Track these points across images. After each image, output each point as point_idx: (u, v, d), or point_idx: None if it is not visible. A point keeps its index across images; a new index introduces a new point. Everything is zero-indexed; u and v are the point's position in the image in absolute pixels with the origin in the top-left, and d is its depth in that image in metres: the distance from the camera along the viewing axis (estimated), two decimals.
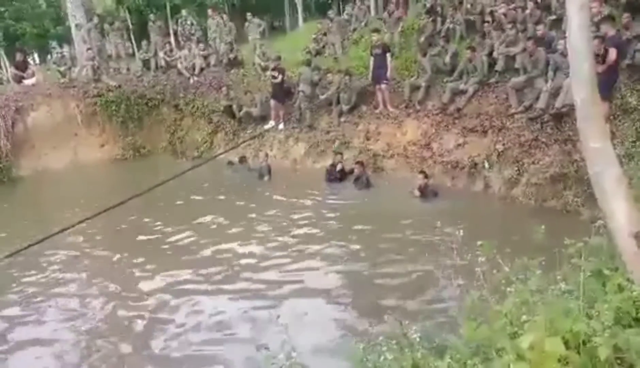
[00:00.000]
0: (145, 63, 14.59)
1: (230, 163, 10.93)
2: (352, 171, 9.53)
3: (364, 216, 7.89)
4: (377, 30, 11.27)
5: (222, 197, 9.64)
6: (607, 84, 6.89)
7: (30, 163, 12.24)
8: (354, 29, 14.21)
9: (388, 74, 10.41)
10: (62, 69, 13.90)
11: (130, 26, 17.12)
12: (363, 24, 14.23)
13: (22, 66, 13.84)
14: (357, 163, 9.48)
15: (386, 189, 9.04)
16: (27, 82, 13.34)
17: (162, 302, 5.65)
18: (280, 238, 7.26)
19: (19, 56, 14.23)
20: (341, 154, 9.96)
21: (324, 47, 13.69)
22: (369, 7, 15.25)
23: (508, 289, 2.19)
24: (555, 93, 7.90)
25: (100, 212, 2.61)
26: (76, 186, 11.11)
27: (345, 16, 15.21)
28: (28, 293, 6.08)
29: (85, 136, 13.16)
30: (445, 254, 2.71)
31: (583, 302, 1.94)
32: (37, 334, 5.20)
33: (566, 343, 1.69)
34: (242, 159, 11.05)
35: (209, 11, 16.35)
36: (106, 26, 15.69)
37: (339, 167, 9.70)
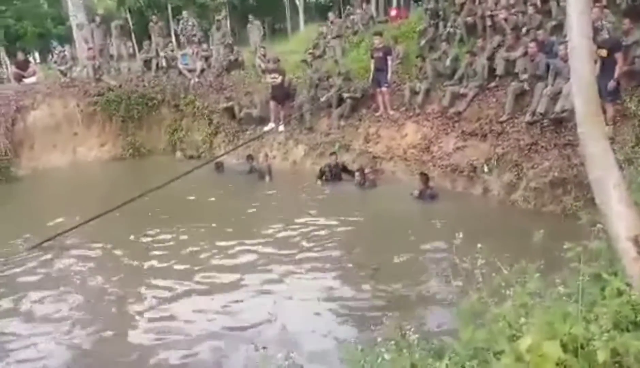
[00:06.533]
0: (146, 63, 14.58)
1: (217, 165, 10.93)
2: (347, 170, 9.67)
3: (363, 217, 7.89)
4: (378, 33, 11.29)
5: (222, 197, 9.64)
6: (608, 87, 6.93)
7: (30, 162, 12.23)
8: (356, 32, 14.22)
9: (389, 77, 10.43)
10: (62, 68, 13.93)
11: (132, 27, 17.15)
12: (364, 26, 14.23)
13: (23, 65, 13.87)
14: (358, 170, 9.50)
15: (386, 191, 9.04)
16: (27, 81, 13.37)
17: (158, 301, 5.63)
18: (280, 238, 7.26)
19: (19, 55, 14.27)
20: (335, 154, 9.99)
21: (324, 49, 13.71)
22: (372, 16, 15.23)
23: (507, 292, 2.19)
24: (555, 98, 7.92)
25: (101, 214, 2.62)
26: (76, 185, 11.09)
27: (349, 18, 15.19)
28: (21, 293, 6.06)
29: (85, 135, 13.15)
30: (445, 257, 2.71)
31: (582, 306, 1.94)
32: (30, 331, 5.19)
33: (564, 347, 1.69)
34: (249, 157, 11.09)
35: (216, 18, 16.28)
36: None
37: (332, 161, 9.76)
